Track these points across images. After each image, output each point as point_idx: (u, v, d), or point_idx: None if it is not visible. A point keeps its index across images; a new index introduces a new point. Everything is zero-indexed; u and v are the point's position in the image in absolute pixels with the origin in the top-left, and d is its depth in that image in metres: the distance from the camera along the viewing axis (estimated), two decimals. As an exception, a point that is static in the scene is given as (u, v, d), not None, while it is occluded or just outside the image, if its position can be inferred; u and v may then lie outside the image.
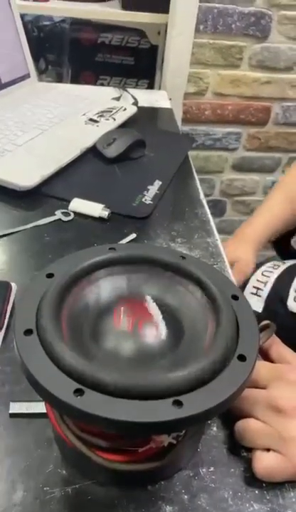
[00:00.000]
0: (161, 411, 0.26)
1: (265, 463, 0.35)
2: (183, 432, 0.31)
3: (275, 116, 1.25)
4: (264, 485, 0.36)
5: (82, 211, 0.66)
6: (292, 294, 0.74)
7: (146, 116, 1.00)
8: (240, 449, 0.38)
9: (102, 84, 1.40)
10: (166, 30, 1.19)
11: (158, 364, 0.31)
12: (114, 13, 1.15)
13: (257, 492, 0.35)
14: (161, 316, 0.34)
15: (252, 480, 0.36)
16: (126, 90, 1.06)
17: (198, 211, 0.69)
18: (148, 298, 0.35)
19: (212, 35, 1.15)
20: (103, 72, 1.39)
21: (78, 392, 0.27)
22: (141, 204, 0.68)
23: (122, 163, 0.78)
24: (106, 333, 0.33)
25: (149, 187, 0.73)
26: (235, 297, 0.35)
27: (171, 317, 0.35)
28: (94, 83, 1.40)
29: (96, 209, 0.66)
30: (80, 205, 0.67)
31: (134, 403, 0.27)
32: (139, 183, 0.73)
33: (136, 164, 0.79)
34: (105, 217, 0.65)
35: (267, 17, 1.13)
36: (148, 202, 0.69)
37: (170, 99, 1.12)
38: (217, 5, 1.10)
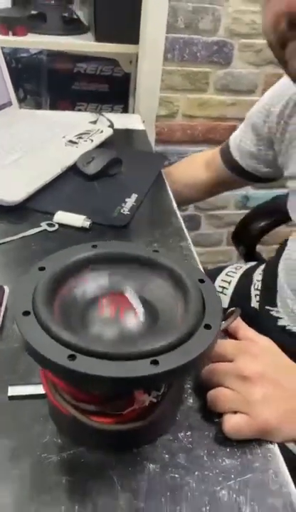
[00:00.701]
0: (141, 368, 0.31)
1: (233, 423, 0.40)
2: (162, 391, 0.36)
3: (242, 135, 1.33)
4: (234, 444, 0.41)
5: (65, 222, 0.72)
6: (253, 292, 0.80)
7: (122, 138, 1.07)
8: (213, 416, 0.43)
9: (79, 111, 1.48)
10: (137, 59, 1.27)
11: (138, 342, 0.36)
12: (88, 45, 1.23)
13: (228, 450, 0.40)
14: (139, 304, 0.39)
15: (224, 440, 0.41)
16: (102, 114, 1.13)
17: (172, 220, 0.75)
18: (128, 289, 0.41)
19: (180, 63, 1.23)
20: (80, 99, 1.46)
21: (71, 357, 0.32)
22: (120, 214, 0.74)
23: (100, 180, 0.84)
24: (92, 320, 0.38)
25: (127, 199, 0.78)
26: (201, 281, 0.40)
27: (148, 304, 0.40)
28: (71, 110, 1.46)
29: (78, 220, 0.71)
30: (63, 217, 0.72)
31: (118, 363, 0.32)
32: (117, 196, 0.79)
33: (114, 180, 0.85)
34: (87, 226, 0.70)
35: (229, 45, 1.23)
36: (126, 213, 0.75)
37: (143, 121, 1.19)
38: (183, 35, 1.19)
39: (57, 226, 0.71)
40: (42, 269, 0.40)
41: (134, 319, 0.38)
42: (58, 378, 0.36)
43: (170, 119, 1.32)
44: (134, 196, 0.80)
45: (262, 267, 0.85)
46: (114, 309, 0.39)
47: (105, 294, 0.40)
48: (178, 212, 0.78)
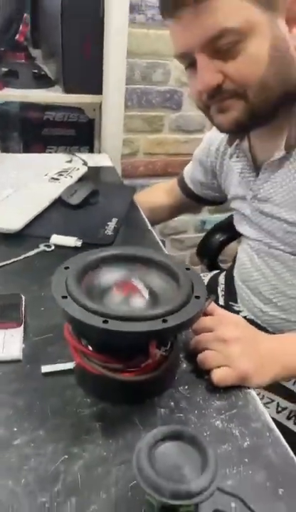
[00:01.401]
0: (156, 325, 0.43)
1: (219, 374, 0.52)
2: (168, 346, 0.48)
3: (195, 168, 1.49)
4: (221, 390, 0.52)
5: (60, 243, 0.83)
6: (220, 292, 0.94)
7: (95, 173, 1.20)
8: (203, 373, 0.54)
9: (49, 153, 1.60)
10: (100, 107, 1.42)
11: (147, 310, 0.48)
12: (58, 97, 1.37)
13: (217, 395, 0.52)
14: (144, 288, 0.51)
15: (213, 389, 0.52)
16: (75, 155, 1.26)
17: (148, 236, 0.88)
18: (134, 278, 0.52)
19: (138, 109, 1.40)
20: (50, 143, 1.59)
21: (105, 322, 0.43)
22: (105, 235, 0.86)
23: (83, 208, 0.96)
24: (110, 300, 0.50)
25: (109, 223, 0.91)
26: (187, 269, 0.53)
27: (151, 288, 0.52)
28: (43, 153, 1.59)
29: (71, 240, 0.83)
30: (58, 239, 0.83)
31: (138, 323, 0.43)
32: (100, 220, 0.91)
33: (95, 208, 0.98)
34: (79, 245, 0.82)
35: (179, 93, 1.41)
36: (110, 233, 0.87)
37: (111, 159, 1.33)
38: (140, 86, 1.36)
39: (53, 247, 0.82)
40: (67, 268, 0.51)
41: (142, 298, 0.50)
42: (95, 339, 0.47)
43: (133, 156, 1.48)
44: (114, 220, 0.92)
45: (224, 273, 0.99)
46: (126, 292, 0.50)
47: (117, 282, 0.52)
48: (152, 230, 0.91)
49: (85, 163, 1.20)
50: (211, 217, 1.64)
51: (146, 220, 0.95)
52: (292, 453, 0.46)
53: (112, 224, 0.91)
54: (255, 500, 0.40)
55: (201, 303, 0.47)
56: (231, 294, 0.89)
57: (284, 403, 0.69)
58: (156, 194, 1.11)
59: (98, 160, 1.31)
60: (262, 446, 0.46)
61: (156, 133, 1.46)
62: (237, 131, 0.70)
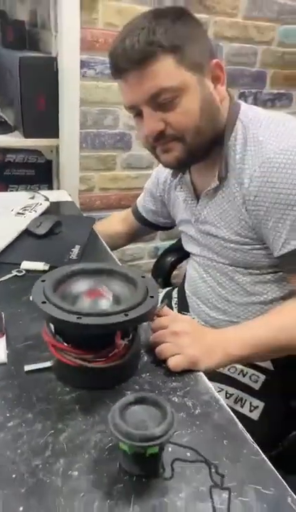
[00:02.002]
0: (119, 318, 0.53)
1: (174, 361, 0.62)
2: (130, 337, 0.58)
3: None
4: (176, 374, 0.62)
5: (30, 268, 0.91)
6: (173, 306, 1.05)
7: (57, 207, 1.30)
8: (160, 362, 0.64)
9: (11, 191, 1.69)
10: (57, 149, 1.55)
11: (112, 309, 0.58)
12: (18, 141, 1.48)
13: (173, 378, 0.62)
14: (109, 293, 0.61)
15: (170, 374, 0.62)
16: (37, 192, 1.36)
17: (109, 259, 0.99)
18: (101, 286, 0.63)
19: (92, 150, 1.53)
20: (11, 182, 1.68)
21: (79, 318, 0.53)
22: (70, 259, 0.96)
23: (48, 238, 1.06)
24: (81, 303, 0.59)
25: (72, 249, 1.01)
26: (143, 276, 0.64)
27: (114, 293, 0.62)
28: (5, 192, 1.67)
29: (40, 265, 0.92)
30: (28, 264, 0.92)
31: (106, 317, 0.53)
32: (64, 247, 1.01)
33: (59, 237, 1.08)
34: (47, 269, 0.91)
35: (128, 135, 1.56)
36: (74, 258, 0.97)
37: (70, 195, 1.44)
38: (92, 130, 1.50)
39: (24, 272, 0.91)
40: (43, 280, 0.61)
41: (107, 300, 0.60)
42: (71, 334, 0.56)
43: (89, 192, 1.59)
44: (77, 247, 1.02)
45: (176, 288, 1.10)
46: (93, 297, 0.60)
47: (86, 290, 0.62)
48: (112, 254, 1.02)
49: (47, 199, 1.30)
50: (163, 243, 1.77)
51: (106, 245, 1.06)
52: (233, 414, 0.56)
53: (75, 250, 1.01)
54: (205, 449, 0.50)
55: (154, 301, 0.58)
56: (184, 305, 1.01)
57: (231, 390, 0.80)
58: (113, 223, 1.23)
59: (58, 196, 1.41)
60: (210, 412, 0.56)
61: (109, 170, 1.60)
62: (179, 167, 0.84)
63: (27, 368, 0.62)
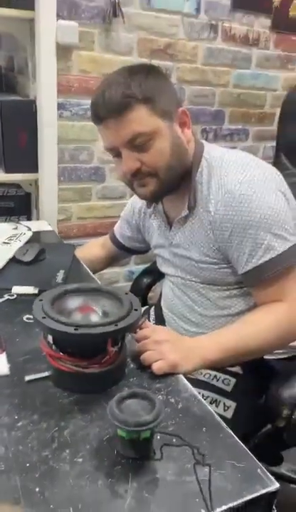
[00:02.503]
0: (110, 328, 0.62)
1: (157, 365, 0.71)
2: (119, 345, 0.66)
3: (120, 227, 1.73)
4: (160, 377, 0.71)
5: (21, 292, 0.99)
6: (152, 322, 1.13)
7: (39, 236, 1.38)
8: (146, 368, 0.72)
9: (-8, 222, 1.75)
10: (36, 182, 1.63)
11: (102, 321, 0.66)
12: (0, 176, 1.56)
13: (157, 380, 0.70)
14: (99, 308, 0.70)
15: (154, 377, 0.70)
16: (20, 223, 1.44)
17: (90, 281, 1.07)
18: (91, 303, 0.71)
19: (69, 183, 1.63)
20: (-9, 214, 1.75)
21: (76, 329, 0.61)
22: (57, 283, 1.04)
23: (34, 264, 1.13)
24: (75, 317, 0.68)
25: (57, 274, 1.08)
26: (127, 293, 0.73)
27: (103, 309, 0.70)
28: (-15, 222, 1.73)
29: (29, 289, 0.99)
30: (18, 289, 0.99)
31: (99, 328, 0.62)
32: (50, 272, 1.09)
33: (44, 263, 1.15)
34: (36, 292, 0.98)
35: (102, 169, 1.67)
36: (60, 281, 1.05)
37: (49, 224, 1.52)
38: (69, 165, 1.60)
39: (15, 295, 0.98)
40: (41, 300, 0.69)
41: (97, 314, 0.68)
42: (68, 344, 0.64)
43: (68, 221, 1.68)
44: (62, 271, 1.10)
45: (153, 307, 1.19)
46: (85, 312, 0.69)
47: (78, 306, 0.70)
48: (94, 276, 1.10)
49: (29, 229, 1.38)
50: (137, 267, 1.87)
51: (87, 269, 1.14)
52: (210, 407, 0.65)
53: (60, 274, 1.08)
54: (187, 436, 0.58)
55: (139, 313, 0.67)
56: (161, 322, 1.10)
57: (206, 393, 0.88)
58: (92, 249, 1.31)
59: (39, 226, 1.49)
60: (190, 406, 0.65)
61: (86, 201, 1.70)
62: (153, 199, 0.94)
63: (27, 378, 0.69)
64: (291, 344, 0.91)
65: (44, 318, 0.64)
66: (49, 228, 1.49)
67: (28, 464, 0.53)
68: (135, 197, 1.08)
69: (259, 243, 0.82)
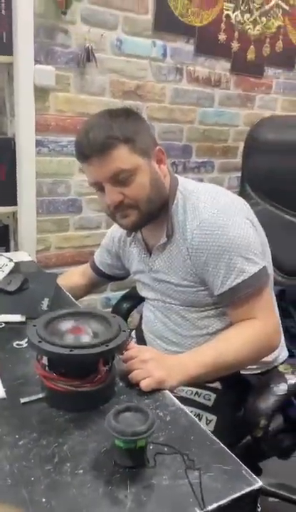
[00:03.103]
0: (102, 348, 0.67)
1: (145, 383, 0.75)
2: (110, 365, 0.71)
3: (97, 256, 1.78)
4: (148, 393, 0.75)
5: (8, 320, 1.02)
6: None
7: (21, 266, 1.41)
8: (134, 386, 0.77)
9: (-30, 254, 1.77)
10: (13, 215, 1.68)
11: (93, 341, 0.71)
12: (-21, 209, 1.60)
13: (146, 396, 0.75)
14: (89, 330, 0.75)
15: (142, 393, 0.75)
16: (1, 254, 1.47)
17: (74, 307, 1.11)
18: (82, 325, 0.76)
19: (48, 215, 1.68)
20: (-30, 246, 1.77)
21: (71, 350, 0.66)
22: (42, 310, 1.07)
23: (19, 293, 1.17)
24: (67, 338, 0.72)
25: (42, 301, 1.12)
26: (114, 316, 0.78)
27: (93, 330, 0.75)
28: None
29: (16, 317, 1.02)
30: (5, 317, 1.02)
31: (91, 349, 0.66)
32: (34, 300, 1.12)
33: (28, 292, 1.19)
34: (24, 320, 1.02)
35: (79, 201, 1.73)
36: (45, 309, 1.08)
37: (29, 255, 1.56)
38: (48, 198, 1.66)
39: (3, 324, 1.01)
40: (34, 325, 0.73)
41: (88, 336, 0.73)
42: (63, 364, 0.68)
43: (46, 251, 1.73)
44: (46, 299, 1.14)
45: (134, 330, 1.24)
46: (77, 334, 0.73)
47: (70, 328, 0.74)
48: (77, 303, 1.14)
49: (11, 260, 1.42)
50: (113, 294, 1.92)
51: (70, 295, 1.19)
52: (195, 418, 0.70)
53: (45, 302, 1.12)
54: (177, 444, 0.63)
55: (127, 334, 0.72)
56: (142, 343, 1.14)
57: (190, 409, 0.92)
58: (73, 277, 1.36)
59: (19, 256, 1.52)
60: (178, 418, 0.70)
61: (63, 232, 1.75)
62: (134, 229, 1.01)
63: (23, 400, 0.72)
64: (263, 360, 0.98)
65: (40, 342, 0.68)
66: (29, 258, 1.52)
67: (33, 477, 0.56)
68: (114, 226, 1.14)
69: (232, 267, 0.89)
